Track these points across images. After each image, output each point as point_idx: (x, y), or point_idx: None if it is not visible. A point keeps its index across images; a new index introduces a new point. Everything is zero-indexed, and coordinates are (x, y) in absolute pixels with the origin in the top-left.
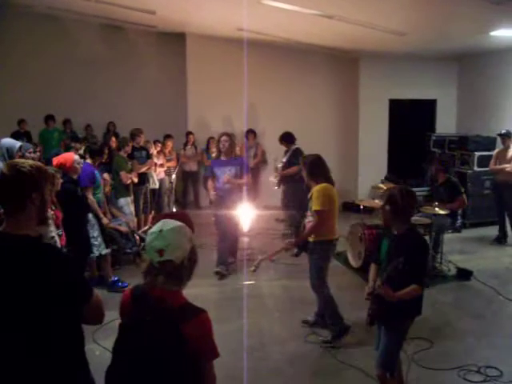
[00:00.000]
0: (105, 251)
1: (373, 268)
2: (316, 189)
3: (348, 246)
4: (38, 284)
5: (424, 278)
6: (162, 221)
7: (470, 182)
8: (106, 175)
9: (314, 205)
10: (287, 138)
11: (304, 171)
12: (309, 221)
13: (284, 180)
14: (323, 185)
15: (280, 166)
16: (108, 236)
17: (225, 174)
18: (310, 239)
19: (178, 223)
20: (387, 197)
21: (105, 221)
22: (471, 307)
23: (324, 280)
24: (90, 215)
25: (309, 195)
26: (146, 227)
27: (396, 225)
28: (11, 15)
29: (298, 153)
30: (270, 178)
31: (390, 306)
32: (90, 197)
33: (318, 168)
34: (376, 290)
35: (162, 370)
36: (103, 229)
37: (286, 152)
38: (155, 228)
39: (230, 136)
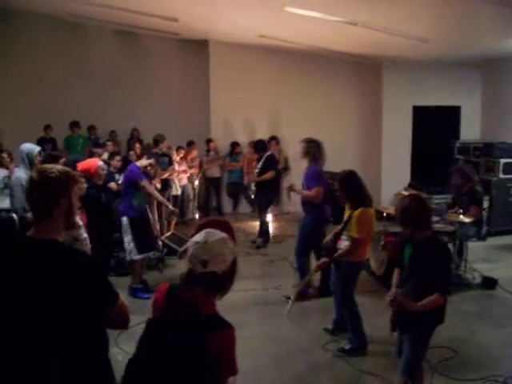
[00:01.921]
0: (136, 257)
1: (396, 273)
2: (355, 214)
3: (371, 253)
4: (64, 288)
5: (447, 286)
6: (207, 231)
7: (495, 189)
8: None
9: (352, 231)
10: (259, 147)
11: (339, 190)
12: (343, 241)
13: (260, 185)
14: (363, 210)
15: (256, 171)
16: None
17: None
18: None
19: (223, 234)
20: (399, 208)
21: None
22: (496, 316)
23: (351, 297)
24: (125, 219)
25: (345, 216)
26: (169, 233)
27: (415, 233)
28: (37, 22)
29: (270, 159)
30: (251, 189)
31: (412, 314)
32: (149, 187)
33: (351, 187)
34: (397, 298)
35: (181, 373)
36: (148, 232)
37: (258, 159)
38: (199, 238)
39: (308, 142)
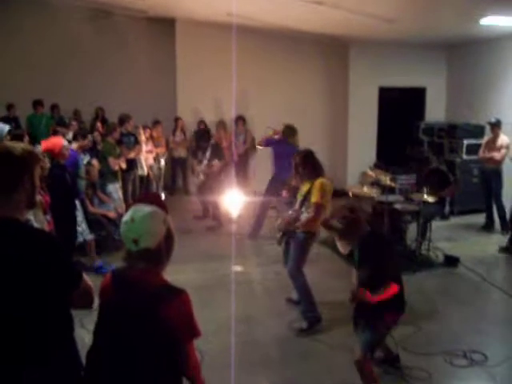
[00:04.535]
0: (89, 237)
1: (353, 273)
2: (318, 182)
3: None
4: (26, 268)
5: (389, 276)
6: (133, 208)
7: (459, 170)
8: (94, 161)
9: (314, 197)
10: (200, 137)
11: (298, 167)
12: (294, 211)
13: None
14: (323, 180)
15: (205, 162)
16: (95, 222)
17: None
18: (297, 229)
19: (149, 208)
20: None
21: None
22: (458, 293)
23: (301, 269)
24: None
25: (303, 190)
26: None
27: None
28: None
29: (216, 147)
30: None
31: (371, 305)
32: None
33: (312, 163)
34: (355, 296)
35: (141, 351)
36: (87, 215)
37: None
38: (127, 217)
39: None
